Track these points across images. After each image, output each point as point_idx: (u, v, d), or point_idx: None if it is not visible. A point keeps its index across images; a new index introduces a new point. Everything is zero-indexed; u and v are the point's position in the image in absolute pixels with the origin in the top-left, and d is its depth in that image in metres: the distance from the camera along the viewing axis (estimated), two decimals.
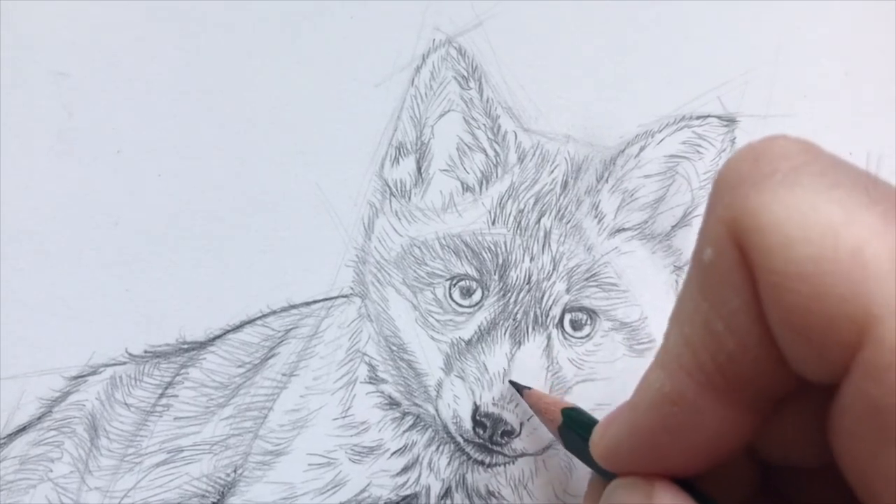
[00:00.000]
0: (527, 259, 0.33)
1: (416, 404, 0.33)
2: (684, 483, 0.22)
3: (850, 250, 0.17)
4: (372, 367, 0.33)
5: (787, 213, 0.17)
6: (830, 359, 0.17)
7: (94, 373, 0.33)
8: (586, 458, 0.26)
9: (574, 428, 0.28)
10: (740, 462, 0.25)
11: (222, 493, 0.32)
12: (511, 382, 0.32)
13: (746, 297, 0.18)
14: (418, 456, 0.33)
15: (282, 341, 0.33)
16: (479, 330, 0.33)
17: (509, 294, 0.33)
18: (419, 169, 0.34)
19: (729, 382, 0.20)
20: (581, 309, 0.33)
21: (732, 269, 0.18)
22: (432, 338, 0.33)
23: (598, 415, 0.33)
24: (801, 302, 0.17)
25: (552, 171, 0.34)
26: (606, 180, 0.34)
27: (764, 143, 0.19)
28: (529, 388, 0.31)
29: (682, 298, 0.21)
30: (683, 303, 0.20)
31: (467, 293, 0.33)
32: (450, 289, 0.33)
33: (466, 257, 0.33)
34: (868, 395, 0.17)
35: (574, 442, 0.28)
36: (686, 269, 0.34)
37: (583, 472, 0.33)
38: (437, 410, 0.33)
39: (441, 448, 0.33)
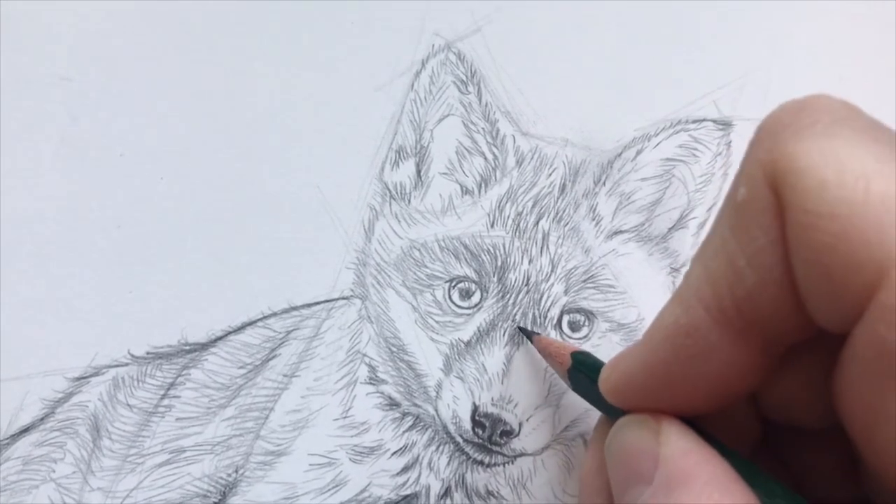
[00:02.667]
0: (525, 261, 0.33)
1: (415, 405, 0.33)
2: (690, 425, 0.23)
3: (881, 197, 0.18)
4: (372, 368, 0.34)
5: (825, 158, 0.18)
6: (848, 301, 0.18)
7: (96, 374, 0.33)
8: (595, 399, 0.27)
9: (583, 370, 0.28)
10: (743, 417, 0.25)
11: (224, 493, 0.33)
12: (519, 328, 0.32)
13: (773, 237, 0.19)
14: (418, 456, 0.33)
15: (283, 342, 0.34)
16: (479, 331, 0.33)
17: (508, 296, 0.33)
18: (419, 172, 0.35)
19: (744, 319, 0.20)
20: (579, 310, 0.33)
21: (764, 208, 0.19)
22: (432, 339, 0.33)
23: (595, 414, 0.33)
24: (828, 241, 0.18)
25: (550, 175, 0.34)
26: (604, 183, 0.34)
27: (808, 98, 0.20)
28: (538, 334, 0.32)
29: (708, 237, 0.21)
30: (710, 240, 0.21)
31: (466, 295, 0.33)
32: (449, 290, 0.33)
33: (465, 259, 0.33)
34: (878, 336, 0.17)
35: (583, 385, 0.28)
36: (683, 270, 0.34)
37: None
38: (436, 411, 0.33)
39: (441, 448, 0.33)
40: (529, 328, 0.33)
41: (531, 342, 0.32)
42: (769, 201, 0.19)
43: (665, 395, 0.23)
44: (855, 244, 0.18)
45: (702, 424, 0.23)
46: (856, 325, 0.18)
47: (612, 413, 0.25)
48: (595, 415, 0.33)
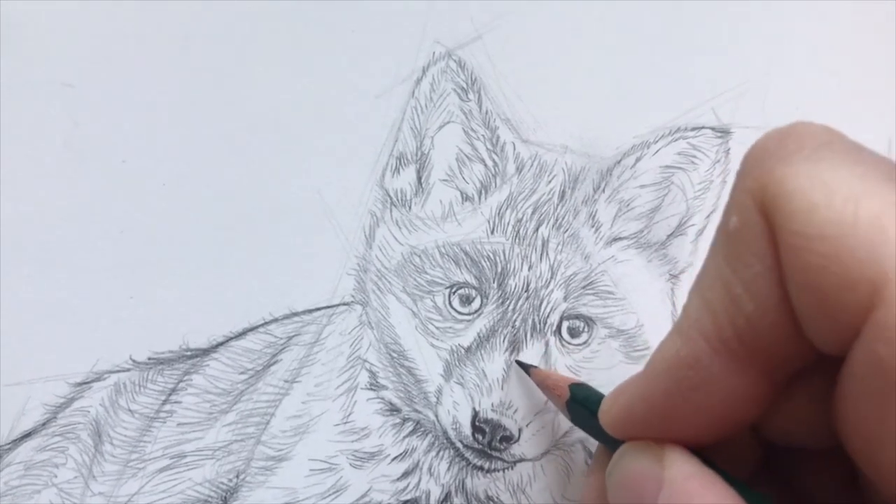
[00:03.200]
0: (525, 267, 0.34)
1: (416, 410, 0.34)
2: (697, 454, 0.23)
3: (870, 218, 0.18)
4: (373, 374, 0.34)
5: (812, 181, 0.19)
6: (843, 321, 0.18)
7: (98, 379, 0.33)
8: (594, 430, 0.27)
9: (582, 403, 0.28)
10: (744, 440, 0.25)
11: (225, 498, 0.33)
12: (517, 362, 0.33)
13: (768, 263, 0.19)
14: (418, 461, 0.33)
15: (284, 348, 0.34)
16: (479, 337, 0.33)
17: (508, 302, 0.33)
18: (419, 179, 0.35)
19: (745, 348, 0.20)
20: (578, 316, 0.34)
21: (757, 235, 0.20)
22: (432, 345, 0.33)
23: None
24: (821, 262, 0.18)
25: (550, 182, 0.35)
26: (603, 190, 0.34)
27: (791, 126, 0.21)
28: (535, 367, 0.32)
29: (704, 268, 0.22)
30: (706, 271, 0.21)
31: (466, 301, 0.33)
32: (449, 297, 0.34)
33: (466, 266, 0.34)
34: (876, 355, 0.18)
35: (581, 416, 0.28)
36: (682, 276, 0.35)
37: (580, 476, 0.34)
38: (436, 416, 0.33)
39: (441, 453, 0.33)
40: (523, 363, 0.33)
41: (528, 375, 0.32)
42: (761, 227, 0.20)
43: (667, 426, 0.23)
44: (847, 264, 0.18)
45: (704, 452, 0.23)
46: (853, 345, 0.18)
47: (611, 444, 0.26)
48: None
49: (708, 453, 0.23)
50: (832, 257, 0.18)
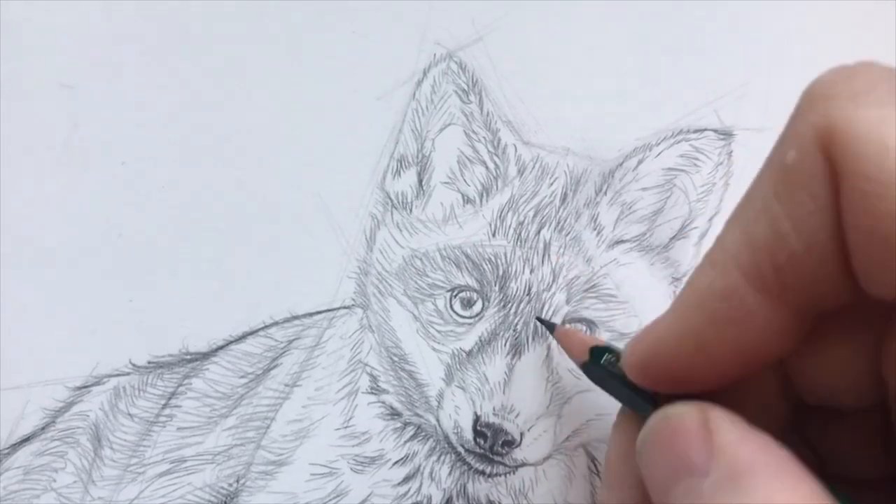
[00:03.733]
0: (527, 270, 0.33)
1: (417, 414, 0.33)
2: None
3: None
4: (373, 378, 0.34)
5: (885, 125, 0.18)
6: None
7: (97, 383, 0.33)
8: (617, 391, 0.27)
9: (603, 363, 0.28)
10: (773, 399, 0.25)
11: (224, 502, 0.33)
12: (538, 318, 0.32)
13: (824, 203, 0.19)
14: (419, 466, 0.33)
15: (284, 352, 0.34)
16: (480, 340, 0.33)
17: (510, 305, 0.33)
18: (420, 181, 0.35)
19: (782, 284, 0.20)
20: (580, 320, 0.33)
21: (816, 173, 0.19)
22: (433, 348, 0.33)
23: (597, 424, 0.33)
24: (890, 209, 0.18)
25: (552, 184, 0.34)
26: (605, 193, 0.34)
27: (859, 64, 0.20)
28: (559, 325, 0.32)
29: (748, 199, 0.21)
30: (750, 203, 0.21)
31: (468, 304, 0.33)
32: (451, 300, 0.33)
33: (467, 269, 0.33)
34: None
35: (602, 378, 0.28)
36: (685, 279, 0.34)
37: (582, 481, 0.34)
38: (438, 420, 0.33)
39: (442, 458, 0.33)
40: (545, 320, 0.32)
41: (551, 334, 0.32)
42: (821, 167, 0.19)
43: (696, 363, 0.22)
44: None
45: (731, 410, 0.22)
46: None
47: (637, 405, 0.25)
48: (597, 423, 0.33)
49: (734, 411, 0.22)
50: None
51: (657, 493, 0.22)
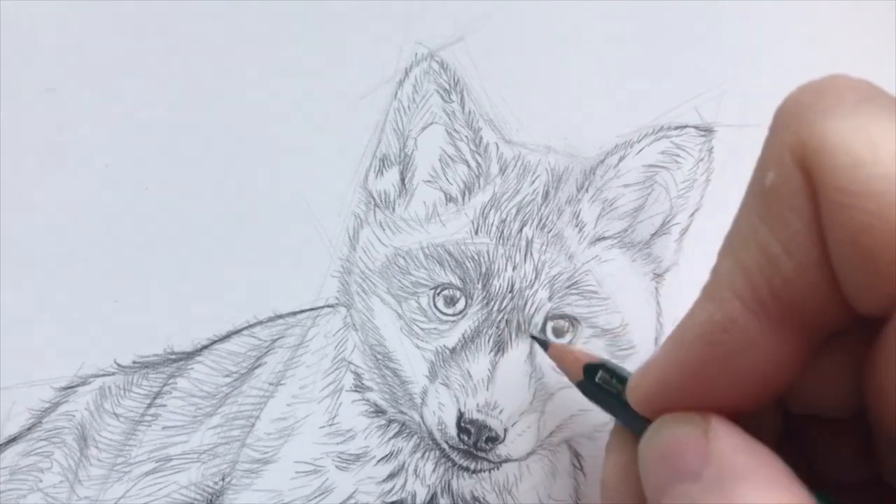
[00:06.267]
0: (509, 268, 0.34)
1: (401, 412, 0.34)
2: None
3: None
4: (357, 376, 0.34)
5: (856, 135, 0.18)
6: (888, 282, 0.18)
7: (83, 383, 0.33)
8: (614, 409, 0.26)
9: (600, 383, 0.28)
10: (767, 410, 0.24)
11: (210, 501, 0.33)
12: (532, 336, 0.33)
13: (807, 219, 0.19)
14: (404, 463, 0.33)
15: (268, 351, 0.34)
16: (463, 338, 0.33)
17: (492, 302, 0.33)
18: (403, 180, 0.35)
19: (782, 308, 0.20)
20: (563, 316, 0.34)
21: (795, 191, 0.19)
22: (417, 346, 0.33)
23: (580, 420, 0.33)
24: (867, 220, 0.17)
25: (533, 182, 0.35)
26: (587, 190, 0.35)
27: (826, 78, 0.20)
28: (553, 342, 0.32)
29: (736, 227, 0.21)
30: (738, 231, 0.21)
31: (451, 302, 0.33)
32: (434, 298, 0.34)
33: (450, 267, 0.34)
34: None
35: (599, 396, 0.28)
36: (666, 275, 0.35)
37: (566, 476, 0.34)
38: (422, 417, 0.33)
39: (426, 455, 0.33)
40: (539, 338, 0.33)
41: (545, 352, 0.32)
42: (800, 183, 0.19)
43: (702, 397, 0.22)
44: (894, 222, 0.17)
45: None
46: None
47: (633, 424, 0.25)
48: (580, 419, 0.34)
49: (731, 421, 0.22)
50: (878, 215, 0.17)
51: (653, 496, 0.22)
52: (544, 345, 0.32)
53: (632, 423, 0.25)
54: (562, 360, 0.30)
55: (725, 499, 0.19)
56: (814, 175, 0.18)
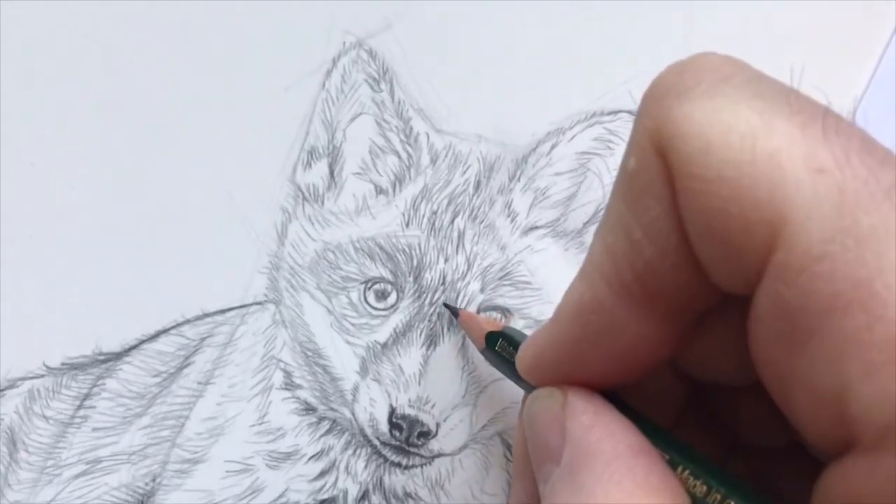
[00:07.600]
0: (441, 260, 0.33)
1: (332, 409, 0.33)
2: (611, 395, 0.22)
3: (768, 155, 0.17)
4: (287, 374, 0.33)
5: (708, 119, 0.18)
6: (746, 264, 0.18)
7: (11, 386, 0.33)
8: (513, 376, 0.27)
9: (498, 349, 0.28)
10: (667, 378, 0.25)
11: (141, 502, 0.33)
12: (445, 304, 0.32)
13: (666, 205, 0.19)
14: (335, 460, 0.33)
15: (197, 350, 0.33)
16: (395, 332, 0.33)
17: (424, 296, 0.33)
18: (332, 173, 0.34)
19: (646, 292, 0.20)
20: (495, 308, 0.33)
21: (654, 177, 0.19)
22: (347, 342, 0.33)
23: (513, 412, 0.33)
24: (719, 205, 0.17)
25: (465, 172, 0.34)
26: (519, 179, 0.34)
27: (691, 58, 0.20)
28: (462, 310, 0.32)
29: (607, 210, 0.21)
30: (607, 214, 0.21)
31: (382, 296, 0.33)
32: (364, 292, 0.33)
33: (381, 260, 0.33)
34: (780, 297, 0.17)
35: (499, 362, 0.29)
36: None
37: (499, 469, 0.33)
38: (353, 414, 0.33)
39: (358, 451, 0.33)
40: (451, 306, 0.32)
41: (456, 318, 0.32)
42: (658, 169, 0.19)
43: (577, 370, 0.22)
44: (747, 205, 0.17)
45: (626, 396, 0.23)
46: (757, 287, 0.18)
47: (528, 390, 0.25)
48: (513, 411, 0.33)
49: (630, 396, 0.23)
50: (731, 199, 0.17)
51: (535, 472, 0.23)
52: (455, 312, 0.32)
53: (529, 391, 0.25)
54: (469, 327, 0.31)
55: (576, 484, 0.20)
56: (669, 161, 0.18)
